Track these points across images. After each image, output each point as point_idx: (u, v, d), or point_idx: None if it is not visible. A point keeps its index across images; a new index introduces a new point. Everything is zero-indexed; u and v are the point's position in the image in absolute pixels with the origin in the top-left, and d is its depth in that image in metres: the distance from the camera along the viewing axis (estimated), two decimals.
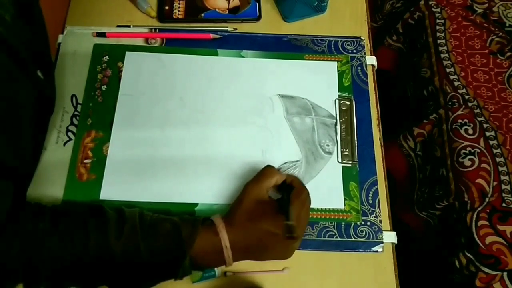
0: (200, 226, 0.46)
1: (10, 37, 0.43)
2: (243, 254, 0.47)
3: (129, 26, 0.68)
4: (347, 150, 0.61)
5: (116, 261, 0.44)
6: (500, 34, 0.86)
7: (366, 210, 0.58)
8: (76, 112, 0.61)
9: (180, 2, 0.71)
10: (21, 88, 0.47)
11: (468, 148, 0.75)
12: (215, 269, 0.53)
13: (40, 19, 0.56)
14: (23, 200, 0.54)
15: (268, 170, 0.51)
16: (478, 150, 0.75)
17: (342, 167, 0.60)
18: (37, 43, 0.54)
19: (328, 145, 0.61)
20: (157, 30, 0.67)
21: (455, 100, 0.80)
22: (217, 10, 0.70)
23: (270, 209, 0.48)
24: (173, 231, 0.46)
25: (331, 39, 0.69)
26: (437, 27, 0.88)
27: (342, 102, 0.64)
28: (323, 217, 0.57)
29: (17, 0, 0.47)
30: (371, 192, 0.59)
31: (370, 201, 0.58)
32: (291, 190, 0.50)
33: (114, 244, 0.44)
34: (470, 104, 0.79)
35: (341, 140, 0.62)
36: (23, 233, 0.43)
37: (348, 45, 0.69)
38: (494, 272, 0.68)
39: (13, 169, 0.47)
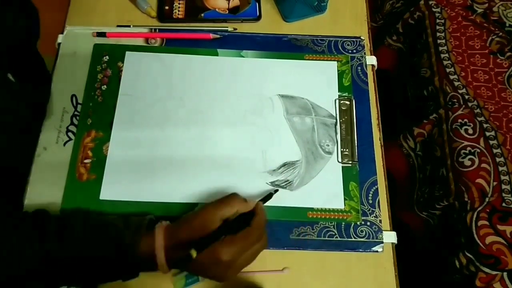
0: (143, 232, 0.45)
1: None
2: (178, 268, 0.47)
3: (129, 26, 0.68)
4: (347, 150, 0.61)
5: (57, 266, 0.43)
6: (500, 34, 0.86)
7: (366, 210, 0.58)
8: (76, 112, 0.61)
9: (180, 2, 0.71)
10: None
11: (468, 148, 0.75)
12: None
13: (34, 22, 0.56)
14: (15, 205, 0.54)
15: (230, 198, 0.48)
16: (478, 150, 0.75)
17: (342, 167, 0.60)
18: (16, 45, 0.53)
19: (328, 145, 0.61)
20: (157, 30, 0.67)
21: (455, 100, 0.80)
22: (217, 10, 0.70)
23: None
24: (115, 238, 0.45)
25: (331, 39, 0.69)
26: (437, 27, 0.88)
27: (342, 102, 0.64)
28: (323, 217, 0.57)
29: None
30: (371, 192, 0.59)
31: (370, 201, 0.58)
32: (246, 225, 0.45)
33: (53, 251, 0.43)
34: (470, 104, 0.79)
35: (341, 140, 0.62)
36: None
37: (348, 45, 0.69)
38: (494, 272, 0.68)
39: None
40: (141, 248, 0.44)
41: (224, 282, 0.46)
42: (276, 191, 0.56)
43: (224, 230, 0.45)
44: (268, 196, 0.54)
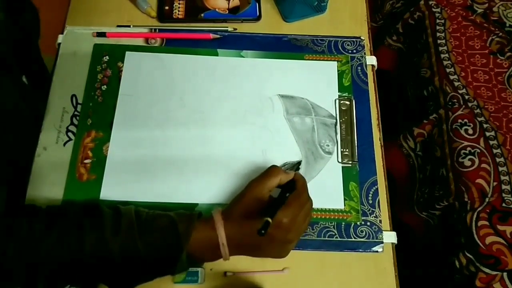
0: (196, 221, 0.46)
1: None
2: (239, 249, 0.48)
3: (129, 26, 0.68)
4: (347, 150, 0.61)
5: (114, 257, 0.44)
6: (500, 34, 0.86)
7: (366, 210, 0.58)
8: (76, 112, 0.61)
9: (180, 2, 0.71)
10: (5, 92, 0.47)
11: (468, 148, 0.75)
12: (199, 274, 0.53)
13: (34, 22, 0.56)
14: (16, 204, 0.54)
15: (272, 169, 0.51)
16: (478, 150, 0.75)
17: (342, 167, 0.60)
18: (26, 49, 0.54)
19: (328, 145, 0.61)
20: (157, 30, 0.67)
21: (455, 100, 0.80)
22: (217, 10, 0.70)
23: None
24: (169, 226, 0.46)
25: (331, 39, 0.69)
26: (437, 27, 0.88)
27: (342, 102, 0.64)
28: (323, 217, 0.57)
29: (8, 5, 0.47)
30: (371, 192, 0.59)
31: (370, 201, 0.58)
32: (292, 191, 0.49)
33: (111, 241, 0.44)
34: (470, 104, 0.79)
35: (341, 140, 0.62)
36: (19, 234, 0.43)
37: (348, 45, 0.69)
38: (494, 272, 0.68)
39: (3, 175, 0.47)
40: (197, 235, 0.45)
41: (284, 257, 0.49)
42: (299, 162, 0.59)
43: (282, 199, 0.47)
44: (297, 167, 0.58)
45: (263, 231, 0.43)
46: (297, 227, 0.48)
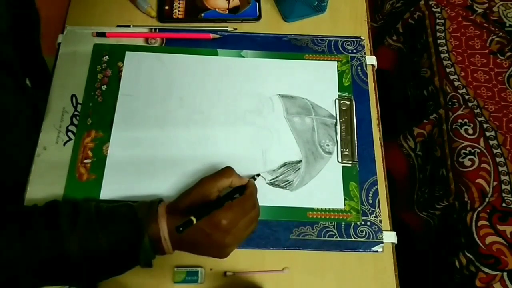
0: (156, 207, 0.46)
1: (3, 46, 0.43)
2: (181, 245, 0.47)
3: (129, 26, 0.68)
4: (347, 150, 0.61)
5: (71, 255, 0.43)
6: (500, 34, 0.86)
7: (366, 210, 0.58)
8: (76, 112, 0.61)
9: (180, 2, 0.71)
10: (10, 97, 0.47)
11: (468, 148, 0.75)
12: (199, 274, 0.53)
13: (36, 25, 0.56)
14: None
15: (226, 170, 0.50)
16: (478, 150, 0.75)
17: (342, 167, 0.60)
18: (29, 52, 0.54)
19: (328, 145, 0.61)
20: (157, 30, 0.67)
21: (455, 100, 0.80)
22: (217, 10, 0.70)
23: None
24: (129, 213, 0.46)
25: (331, 39, 0.69)
26: (437, 27, 0.88)
27: (342, 102, 0.64)
28: (323, 217, 0.57)
29: (14, 8, 0.47)
30: (371, 192, 0.59)
31: (370, 201, 0.58)
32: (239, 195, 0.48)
33: (68, 238, 0.43)
34: (470, 104, 0.79)
35: (341, 140, 0.62)
36: None
37: (348, 45, 0.69)
38: (494, 272, 0.68)
39: None
40: (150, 225, 0.45)
41: (223, 258, 0.47)
42: (258, 175, 0.57)
43: (221, 200, 0.47)
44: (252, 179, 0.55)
45: (181, 228, 0.41)
46: (237, 233, 0.46)
